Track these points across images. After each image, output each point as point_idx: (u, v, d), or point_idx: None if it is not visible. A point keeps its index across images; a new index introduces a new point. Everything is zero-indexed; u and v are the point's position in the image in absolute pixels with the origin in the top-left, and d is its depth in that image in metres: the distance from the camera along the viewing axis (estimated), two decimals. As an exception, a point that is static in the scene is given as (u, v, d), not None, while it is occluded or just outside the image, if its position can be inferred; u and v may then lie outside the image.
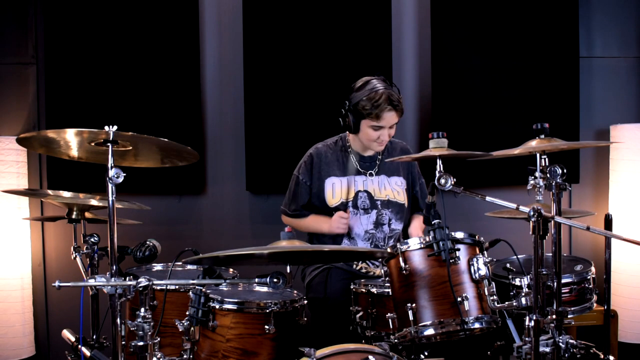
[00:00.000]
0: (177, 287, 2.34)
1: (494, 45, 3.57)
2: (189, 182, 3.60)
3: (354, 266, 2.77)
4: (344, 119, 2.76)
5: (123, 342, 1.93)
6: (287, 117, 3.54)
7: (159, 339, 1.92)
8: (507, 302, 2.10)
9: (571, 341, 2.08)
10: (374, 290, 2.38)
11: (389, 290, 2.24)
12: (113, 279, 1.89)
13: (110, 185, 1.92)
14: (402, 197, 2.85)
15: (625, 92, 3.77)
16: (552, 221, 2.03)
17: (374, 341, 2.31)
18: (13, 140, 3.39)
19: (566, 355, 2.06)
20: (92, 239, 2.40)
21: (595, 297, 2.54)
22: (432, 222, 2.11)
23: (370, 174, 2.83)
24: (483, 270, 2.09)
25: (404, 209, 2.86)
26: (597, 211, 3.16)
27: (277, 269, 1.86)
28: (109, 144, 1.95)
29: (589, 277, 2.53)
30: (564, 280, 2.32)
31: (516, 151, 2.19)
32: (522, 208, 2.00)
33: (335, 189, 2.80)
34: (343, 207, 2.78)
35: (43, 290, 3.66)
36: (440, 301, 2.08)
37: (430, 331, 2.08)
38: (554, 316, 2.06)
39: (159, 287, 2.30)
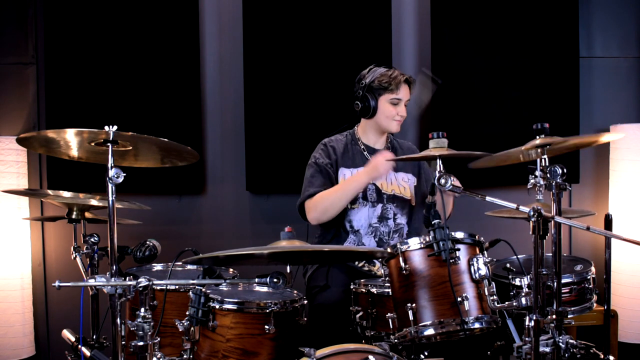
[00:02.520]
0: (177, 287, 2.34)
1: (494, 45, 3.57)
2: (189, 182, 3.60)
3: (356, 263, 2.78)
4: (361, 100, 2.80)
5: (123, 342, 1.94)
6: (287, 117, 3.54)
7: (159, 339, 1.92)
8: (507, 302, 2.10)
9: (571, 341, 2.08)
10: (374, 290, 2.37)
11: (389, 290, 2.24)
12: (113, 279, 1.89)
13: (110, 185, 1.92)
14: (408, 193, 2.86)
15: (625, 92, 3.77)
16: (552, 221, 2.03)
17: (374, 341, 2.31)
18: (13, 140, 3.39)
19: (566, 355, 2.06)
20: (92, 239, 2.40)
21: (595, 297, 2.54)
22: (432, 222, 2.11)
23: None
24: (483, 270, 2.09)
25: (410, 205, 2.87)
26: (597, 211, 3.16)
27: (277, 269, 1.86)
28: (109, 144, 1.95)
29: (589, 277, 2.53)
30: (564, 280, 2.32)
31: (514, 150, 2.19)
32: (522, 208, 2.00)
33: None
34: (353, 198, 2.78)
35: (43, 290, 3.66)
36: (440, 301, 2.08)
37: (430, 331, 2.08)
38: (554, 316, 2.06)
39: (159, 287, 2.30)
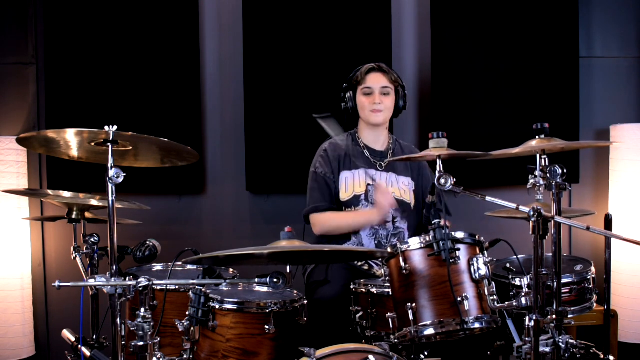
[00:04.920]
0: (177, 287, 2.34)
1: (494, 45, 3.57)
2: (189, 182, 3.60)
3: (356, 262, 2.78)
4: (342, 99, 2.93)
5: (123, 342, 1.94)
6: (287, 116, 3.54)
7: (159, 339, 1.93)
8: (507, 302, 2.10)
9: (571, 341, 2.08)
10: (374, 290, 2.37)
11: (389, 290, 2.24)
12: (113, 279, 1.89)
13: (110, 185, 1.92)
14: (408, 197, 2.87)
15: (625, 92, 3.77)
16: (552, 221, 2.03)
17: (374, 341, 2.31)
18: (13, 140, 3.39)
19: (566, 355, 2.06)
20: (92, 239, 2.40)
21: (595, 297, 2.54)
22: (432, 222, 2.11)
23: (380, 166, 2.86)
24: (483, 270, 2.09)
25: (410, 209, 2.87)
26: (597, 211, 3.17)
27: (277, 269, 1.86)
28: (109, 144, 1.95)
29: (589, 277, 2.53)
30: (564, 280, 2.32)
31: (515, 150, 2.19)
32: (522, 208, 2.00)
33: (348, 183, 2.82)
34: (355, 200, 2.80)
35: (43, 290, 3.66)
36: (440, 301, 2.08)
37: (430, 331, 2.08)
38: (554, 316, 2.06)
39: (159, 287, 2.30)
